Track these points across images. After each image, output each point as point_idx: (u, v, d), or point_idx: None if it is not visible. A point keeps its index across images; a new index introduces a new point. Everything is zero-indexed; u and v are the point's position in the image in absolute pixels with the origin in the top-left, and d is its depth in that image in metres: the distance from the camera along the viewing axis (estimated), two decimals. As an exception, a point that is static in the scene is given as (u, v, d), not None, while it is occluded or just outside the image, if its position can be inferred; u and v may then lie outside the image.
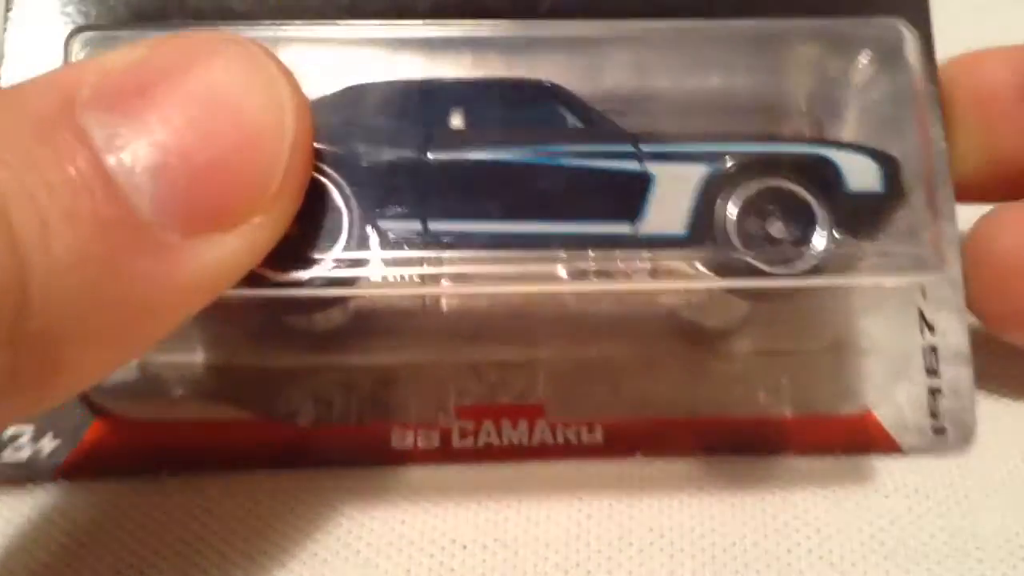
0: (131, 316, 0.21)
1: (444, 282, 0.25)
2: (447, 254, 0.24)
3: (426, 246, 0.24)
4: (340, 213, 0.25)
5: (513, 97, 0.27)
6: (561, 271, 0.24)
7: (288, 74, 0.22)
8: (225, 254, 0.21)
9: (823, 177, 0.25)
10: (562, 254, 0.24)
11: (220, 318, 0.27)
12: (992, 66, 0.29)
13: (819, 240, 0.25)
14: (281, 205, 0.22)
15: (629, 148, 0.25)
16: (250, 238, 0.22)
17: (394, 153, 0.25)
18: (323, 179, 0.25)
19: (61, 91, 0.21)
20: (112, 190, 0.20)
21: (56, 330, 0.20)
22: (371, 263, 0.24)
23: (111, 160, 0.20)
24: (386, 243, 0.24)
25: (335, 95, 0.27)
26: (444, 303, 0.29)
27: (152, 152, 0.20)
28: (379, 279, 0.25)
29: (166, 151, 0.21)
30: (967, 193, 0.29)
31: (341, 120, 0.26)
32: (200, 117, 0.21)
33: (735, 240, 0.25)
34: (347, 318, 0.29)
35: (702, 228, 0.25)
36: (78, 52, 0.26)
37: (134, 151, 0.20)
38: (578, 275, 0.24)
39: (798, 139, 0.27)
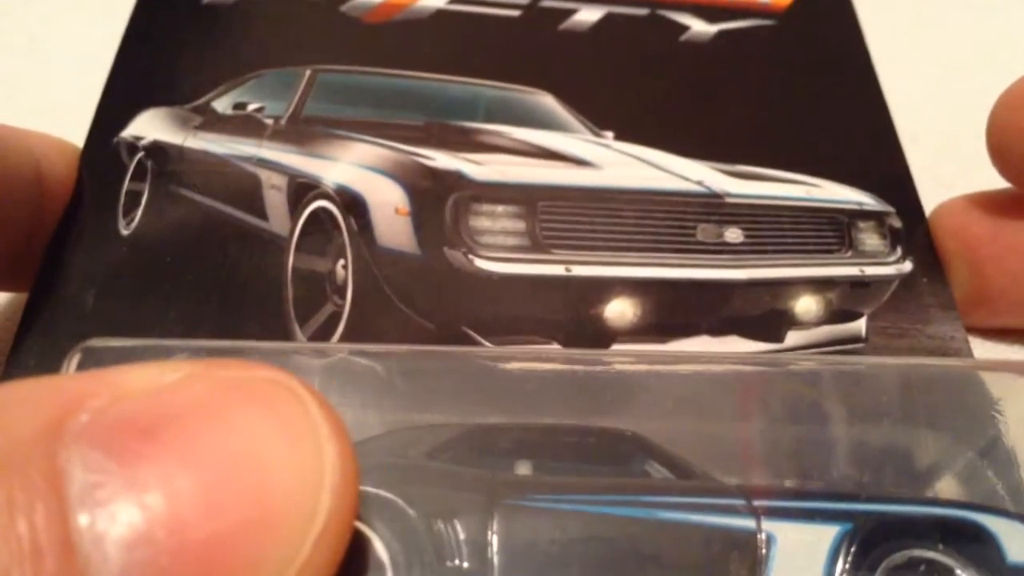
0: None
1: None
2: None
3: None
4: (384, 572, 0.19)
5: (588, 446, 0.23)
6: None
7: (340, 434, 0.17)
8: None
9: (977, 546, 0.20)
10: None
11: None
12: (974, 215, 0.31)
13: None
14: None
15: (741, 501, 0.20)
16: None
17: (452, 501, 0.20)
18: (366, 530, 0.20)
19: (56, 408, 0.16)
20: (69, 560, 0.14)
21: None
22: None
23: (82, 519, 0.15)
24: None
25: (386, 433, 0.23)
26: None
27: (137, 517, 0.15)
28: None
29: (155, 519, 0.15)
30: (965, 313, 0.30)
31: (392, 459, 0.22)
32: (211, 481, 0.16)
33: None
34: None
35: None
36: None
37: (115, 511, 0.15)
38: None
39: (942, 500, 0.22)
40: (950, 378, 0.25)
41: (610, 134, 0.34)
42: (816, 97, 0.35)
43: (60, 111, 0.32)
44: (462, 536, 0.20)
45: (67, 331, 0.27)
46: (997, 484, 0.21)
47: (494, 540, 0.20)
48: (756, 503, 0.20)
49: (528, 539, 0.20)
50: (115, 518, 0.15)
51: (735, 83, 0.35)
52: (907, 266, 0.32)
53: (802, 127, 0.34)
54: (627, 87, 0.35)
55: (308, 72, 0.34)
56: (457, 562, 0.20)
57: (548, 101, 0.35)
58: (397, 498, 0.20)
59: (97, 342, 0.22)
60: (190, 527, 0.15)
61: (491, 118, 0.34)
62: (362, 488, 0.19)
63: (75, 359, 0.22)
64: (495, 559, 0.20)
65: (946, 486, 0.22)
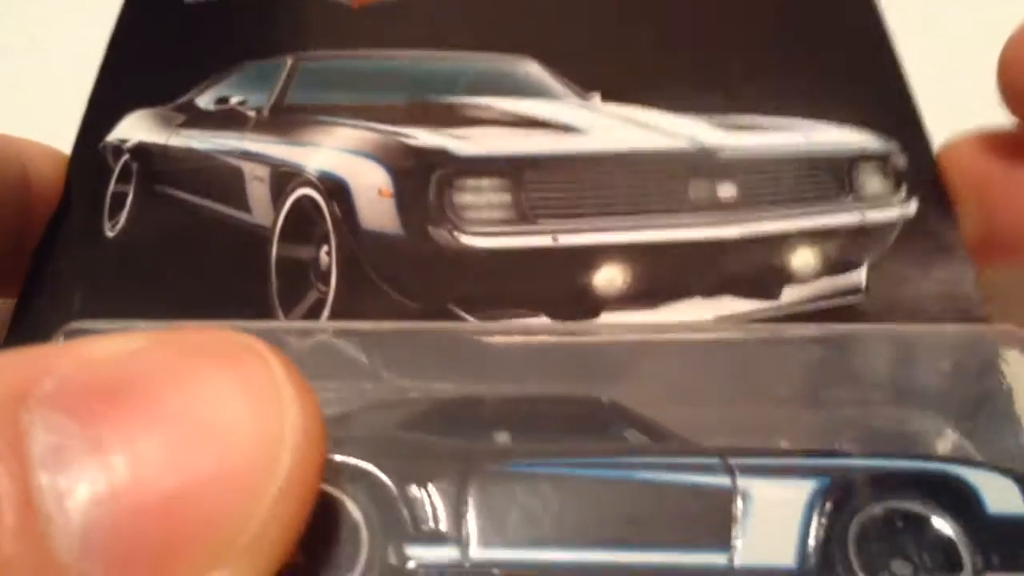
0: None
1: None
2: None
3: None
4: (359, 535, 0.19)
5: (565, 415, 0.22)
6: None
7: (304, 394, 0.17)
8: None
9: (957, 499, 0.19)
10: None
11: None
12: (986, 152, 0.30)
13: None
14: (252, 559, 0.16)
15: (716, 460, 0.20)
16: None
17: (428, 468, 0.20)
18: (339, 495, 0.20)
19: (22, 375, 0.16)
20: (29, 519, 0.15)
21: None
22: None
23: (43, 478, 0.15)
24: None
25: (364, 406, 0.22)
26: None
27: (99, 476, 0.15)
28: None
29: (116, 479, 0.15)
30: (975, 254, 0.29)
31: (368, 431, 0.22)
32: (171, 440, 0.16)
33: (859, 572, 0.18)
34: None
35: (816, 558, 0.18)
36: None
37: (77, 471, 0.15)
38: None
39: (922, 455, 0.21)
40: (949, 344, 0.24)
41: (596, 95, 0.33)
42: (813, 32, 0.34)
43: (60, 112, 0.32)
44: (438, 500, 0.20)
45: (55, 333, 0.27)
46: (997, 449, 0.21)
47: (470, 503, 0.20)
48: (731, 461, 0.20)
49: (504, 502, 0.20)
50: (77, 478, 0.15)
51: (726, 26, 0.34)
52: (911, 207, 0.30)
53: (799, 64, 0.33)
54: (612, 43, 0.34)
55: (290, 61, 0.34)
56: (433, 525, 0.19)
57: (531, 68, 0.34)
58: (372, 467, 0.20)
59: (81, 324, 0.23)
60: (151, 486, 0.15)
61: (474, 91, 0.33)
62: (337, 458, 0.20)
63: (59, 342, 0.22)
64: (471, 522, 0.19)
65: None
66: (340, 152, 0.31)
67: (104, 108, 0.33)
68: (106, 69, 0.34)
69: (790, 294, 0.29)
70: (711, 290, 0.29)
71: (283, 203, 0.31)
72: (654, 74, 0.33)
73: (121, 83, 0.33)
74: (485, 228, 0.29)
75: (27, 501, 0.15)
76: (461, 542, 0.19)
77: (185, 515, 0.16)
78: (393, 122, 0.32)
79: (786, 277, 0.29)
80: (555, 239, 0.29)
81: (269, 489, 0.16)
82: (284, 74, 0.34)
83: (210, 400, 0.17)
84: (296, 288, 0.29)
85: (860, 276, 0.29)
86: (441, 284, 0.28)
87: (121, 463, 0.15)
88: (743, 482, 0.19)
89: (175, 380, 0.17)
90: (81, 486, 0.15)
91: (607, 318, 0.28)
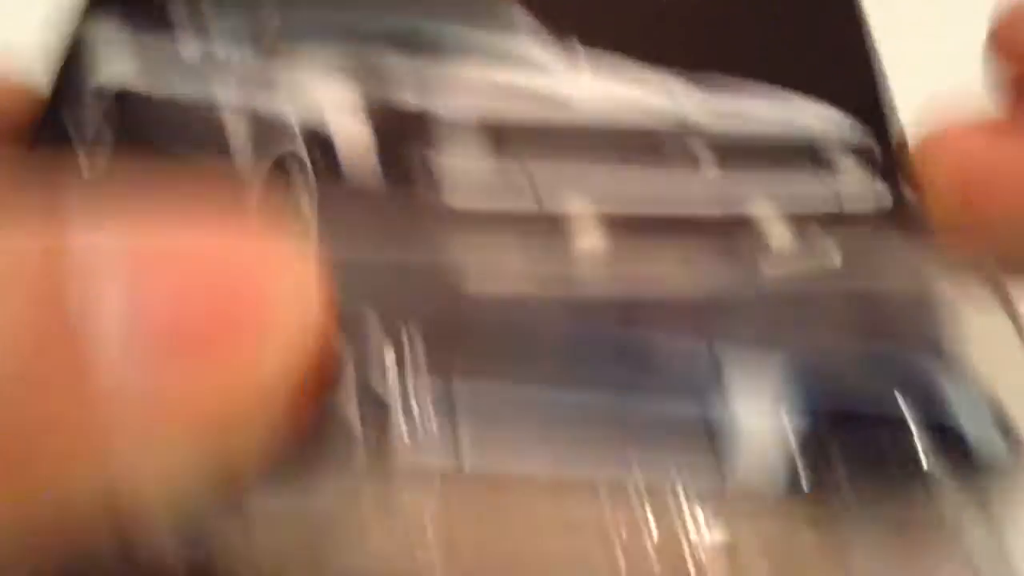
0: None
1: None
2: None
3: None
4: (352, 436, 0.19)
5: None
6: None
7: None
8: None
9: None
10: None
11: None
12: (964, 143, 0.30)
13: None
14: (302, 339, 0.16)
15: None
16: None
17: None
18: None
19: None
20: (66, 272, 0.14)
21: None
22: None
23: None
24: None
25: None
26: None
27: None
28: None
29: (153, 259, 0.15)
30: (950, 246, 0.29)
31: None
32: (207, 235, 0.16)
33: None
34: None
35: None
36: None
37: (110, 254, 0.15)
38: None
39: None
40: (912, 302, 0.24)
41: (576, 44, 0.33)
42: (793, 21, 0.34)
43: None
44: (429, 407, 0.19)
45: None
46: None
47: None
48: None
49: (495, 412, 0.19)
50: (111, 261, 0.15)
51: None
52: (887, 197, 0.31)
53: (781, 53, 0.34)
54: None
55: (272, 12, 0.34)
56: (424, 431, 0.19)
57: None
58: None
59: None
60: (191, 265, 0.15)
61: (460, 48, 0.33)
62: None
63: None
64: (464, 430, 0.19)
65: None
66: (326, 108, 0.31)
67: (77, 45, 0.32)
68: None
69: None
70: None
71: (266, 155, 0.30)
72: (634, 25, 0.34)
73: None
74: (468, 192, 0.29)
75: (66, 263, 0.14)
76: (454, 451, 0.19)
77: (231, 295, 0.15)
78: (379, 82, 0.31)
79: (763, 252, 0.29)
80: (539, 203, 0.29)
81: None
82: (266, 25, 0.34)
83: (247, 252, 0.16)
84: None
85: (836, 262, 0.30)
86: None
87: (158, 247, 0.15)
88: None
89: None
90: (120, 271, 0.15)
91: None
